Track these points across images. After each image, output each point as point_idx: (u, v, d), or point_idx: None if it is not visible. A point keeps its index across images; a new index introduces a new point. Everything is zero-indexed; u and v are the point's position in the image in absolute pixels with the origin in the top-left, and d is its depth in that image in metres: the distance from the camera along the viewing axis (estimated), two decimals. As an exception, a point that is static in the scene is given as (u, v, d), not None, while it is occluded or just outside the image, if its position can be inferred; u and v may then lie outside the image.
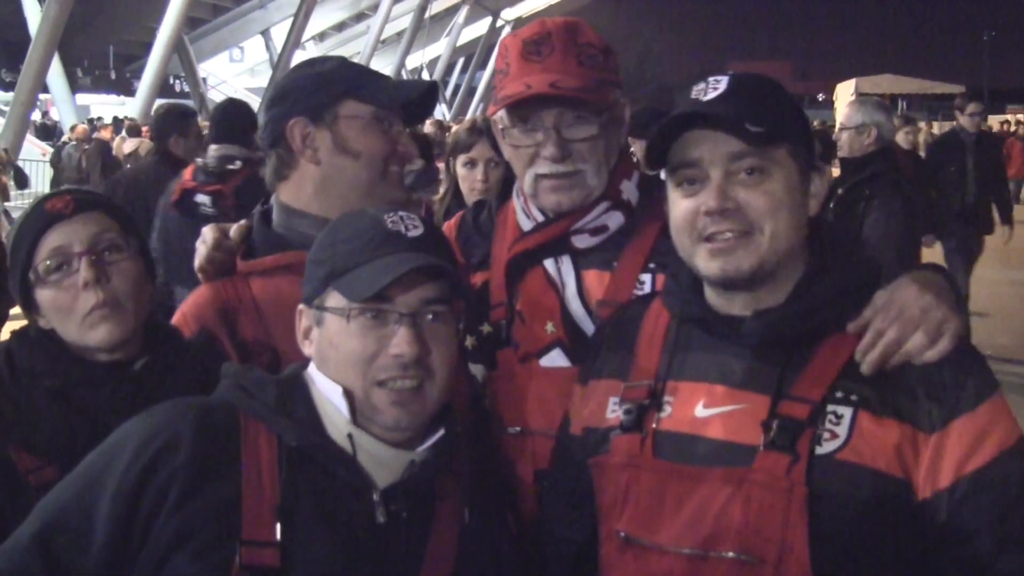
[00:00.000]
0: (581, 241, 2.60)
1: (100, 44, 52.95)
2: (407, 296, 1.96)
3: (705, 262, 2.03)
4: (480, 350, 2.68)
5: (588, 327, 2.54)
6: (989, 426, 1.93)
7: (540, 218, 2.63)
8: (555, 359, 2.57)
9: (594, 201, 2.57)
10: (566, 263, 2.62)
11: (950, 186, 10.61)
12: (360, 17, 61.93)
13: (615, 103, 2.59)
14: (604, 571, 2.13)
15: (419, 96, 2.64)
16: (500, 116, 2.58)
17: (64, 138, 24.71)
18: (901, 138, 10.47)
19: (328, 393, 2.00)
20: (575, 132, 2.50)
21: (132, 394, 2.11)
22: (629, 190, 2.64)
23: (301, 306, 2.10)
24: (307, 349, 2.09)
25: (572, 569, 2.26)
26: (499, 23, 70.84)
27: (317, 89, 2.58)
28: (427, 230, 2.06)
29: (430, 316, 1.98)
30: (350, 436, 1.97)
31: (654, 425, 2.09)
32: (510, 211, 2.77)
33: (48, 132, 35.37)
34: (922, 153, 13.39)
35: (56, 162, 21.10)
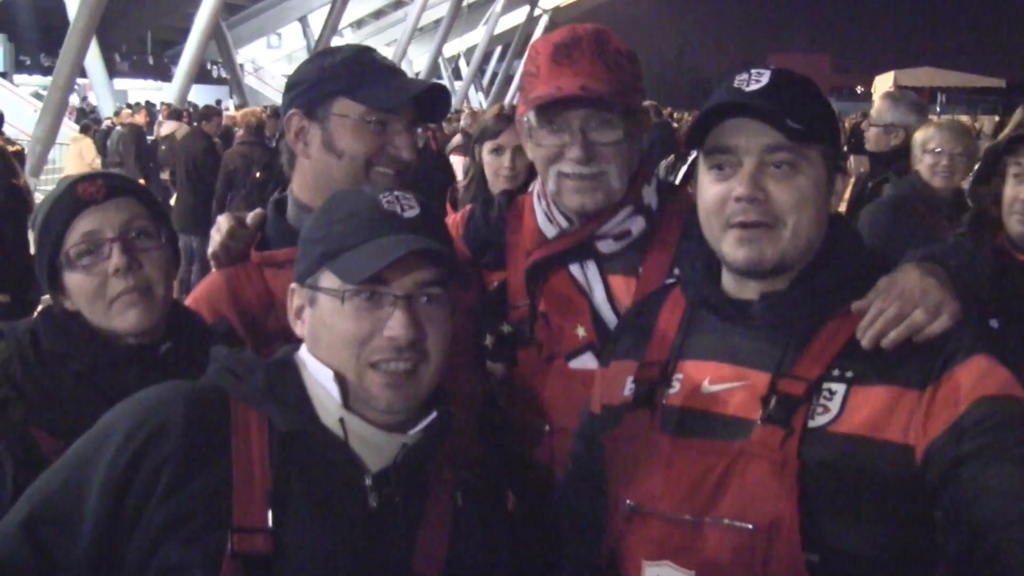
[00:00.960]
0: (606, 246, 2.65)
1: (138, 29, 53.35)
2: (403, 278, 1.92)
3: (732, 249, 2.10)
4: (500, 349, 2.71)
5: None
6: (988, 371, 1.97)
7: (564, 224, 2.67)
8: (585, 362, 2.62)
9: (617, 205, 2.61)
10: (592, 268, 2.66)
11: None
12: (398, 5, 61.96)
13: (639, 109, 2.65)
14: (611, 540, 2.20)
15: (419, 96, 2.60)
16: (528, 116, 2.62)
17: (107, 123, 24.79)
18: None
19: (319, 377, 1.97)
20: (601, 135, 2.55)
21: (158, 378, 2.12)
22: (649, 195, 2.70)
23: (293, 285, 2.07)
24: (299, 329, 2.06)
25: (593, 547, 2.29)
26: (537, 12, 70.74)
27: (316, 83, 2.59)
28: (423, 211, 2.02)
29: (425, 299, 1.95)
30: (341, 420, 1.94)
31: (664, 401, 2.17)
32: (526, 209, 2.80)
33: (87, 117, 35.53)
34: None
35: (102, 147, 21.15)
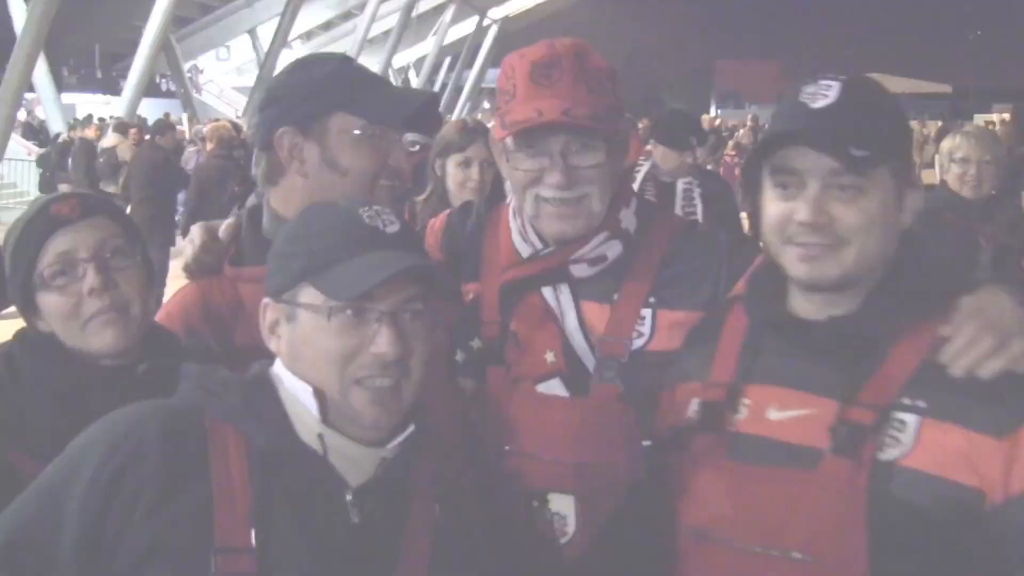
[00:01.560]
0: (579, 271, 2.56)
1: (86, 43, 52.76)
2: (389, 295, 1.90)
3: (793, 265, 2.07)
4: (470, 365, 2.65)
5: (589, 361, 2.53)
6: None
7: (538, 244, 2.59)
8: (553, 387, 2.55)
9: (594, 230, 2.53)
10: (564, 292, 2.58)
11: None
12: (347, 16, 61.69)
13: (620, 129, 2.56)
14: (677, 565, 2.17)
15: (417, 109, 2.56)
16: (506, 140, 2.52)
17: (63, 138, 24.52)
18: None
19: (297, 393, 1.95)
20: (582, 159, 2.45)
21: (138, 399, 2.10)
22: (628, 218, 2.61)
23: (267, 300, 2.04)
24: (273, 344, 2.03)
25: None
26: (486, 22, 70.68)
27: (308, 97, 2.50)
28: (403, 226, 2.01)
29: (408, 315, 1.94)
30: (320, 436, 1.93)
31: (729, 426, 2.14)
32: (503, 222, 2.73)
33: (34, 131, 35.14)
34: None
35: (60, 161, 20.90)
